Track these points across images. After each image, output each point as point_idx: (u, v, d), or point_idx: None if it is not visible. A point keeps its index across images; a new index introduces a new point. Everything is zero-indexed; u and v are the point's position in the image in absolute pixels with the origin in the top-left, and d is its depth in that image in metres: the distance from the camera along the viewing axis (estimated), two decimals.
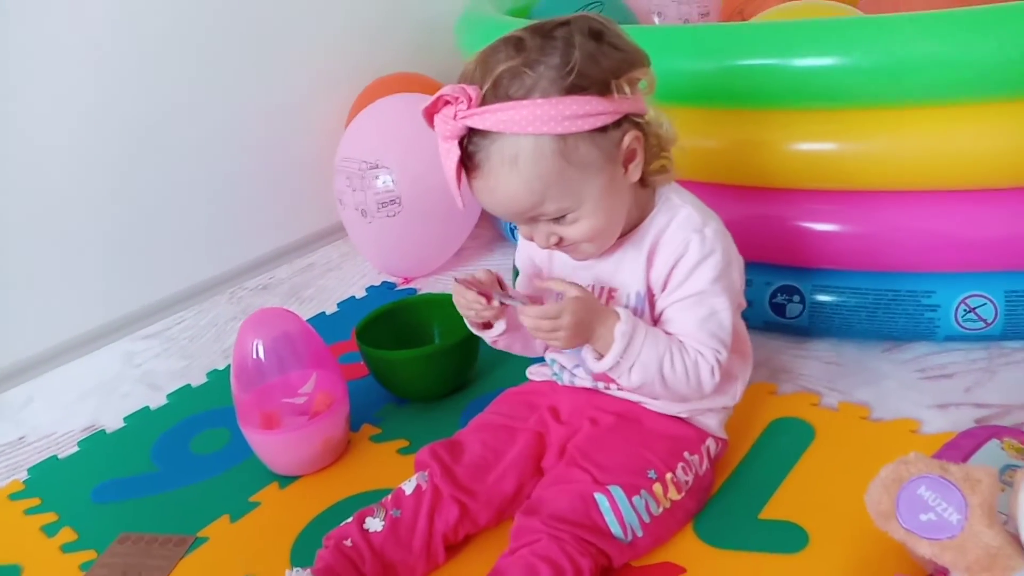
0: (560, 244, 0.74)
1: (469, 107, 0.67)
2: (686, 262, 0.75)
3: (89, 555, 0.87)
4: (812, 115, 0.97)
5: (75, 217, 1.28)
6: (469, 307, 0.78)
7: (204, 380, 1.19)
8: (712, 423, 0.82)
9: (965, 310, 0.97)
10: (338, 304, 1.36)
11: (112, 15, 1.26)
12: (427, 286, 1.37)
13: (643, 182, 0.76)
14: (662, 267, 0.76)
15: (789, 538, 0.76)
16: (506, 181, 0.68)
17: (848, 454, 0.85)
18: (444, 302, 1.12)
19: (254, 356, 0.91)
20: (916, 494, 0.56)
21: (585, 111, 0.67)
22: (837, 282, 1.01)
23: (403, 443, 0.97)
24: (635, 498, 0.74)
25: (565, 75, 0.67)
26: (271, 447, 0.93)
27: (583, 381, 0.84)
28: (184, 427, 1.08)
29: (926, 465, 0.57)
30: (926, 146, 0.93)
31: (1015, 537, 0.54)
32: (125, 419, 1.12)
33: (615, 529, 0.72)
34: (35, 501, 0.97)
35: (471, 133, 0.68)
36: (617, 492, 0.73)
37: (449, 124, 0.67)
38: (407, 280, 1.40)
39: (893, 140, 0.94)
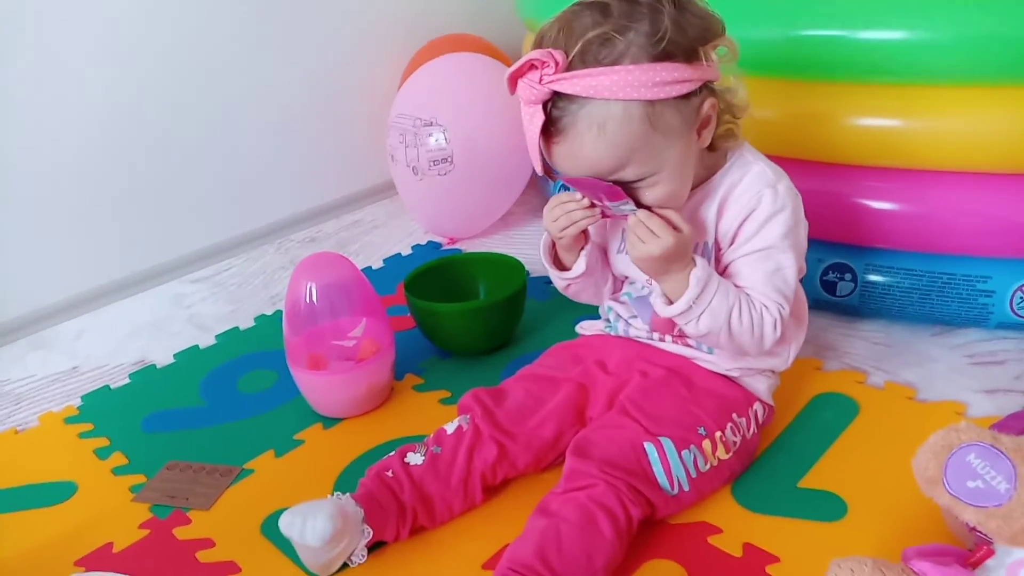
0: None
1: (556, 71, 0.66)
2: (757, 216, 0.75)
3: (139, 479, 0.90)
4: (875, 90, 0.95)
5: (131, 162, 1.31)
6: (569, 213, 0.76)
7: (252, 324, 1.21)
8: (761, 387, 0.82)
9: (1021, 297, 0.96)
10: (384, 260, 1.38)
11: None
12: (472, 248, 1.37)
13: (711, 146, 0.76)
14: (732, 220, 0.77)
15: (827, 507, 0.76)
16: (592, 146, 0.68)
17: (892, 431, 0.85)
18: (492, 260, 1.14)
19: (307, 299, 0.93)
20: (965, 461, 0.56)
21: (673, 78, 0.68)
22: (890, 262, 1.00)
23: (445, 394, 0.99)
24: (684, 452, 0.75)
25: (656, 42, 0.67)
26: (318, 388, 0.95)
27: (638, 332, 0.85)
28: (232, 366, 1.10)
29: (977, 434, 0.57)
30: (990, 127, 0.91)
31: None
32: (175, 356, 1.15)
33: (662, 480, 0.73)
34: (89, 426, 1.00)
35: (556, 98, 0.68)
36: (667, 444, 0.74)
37: (535, 88, 0.67)
38: (452, 240, 1.41)
39: (956, 119, 0.92)
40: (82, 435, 0.99)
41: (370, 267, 1.35)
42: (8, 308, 1.24)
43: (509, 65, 1.50)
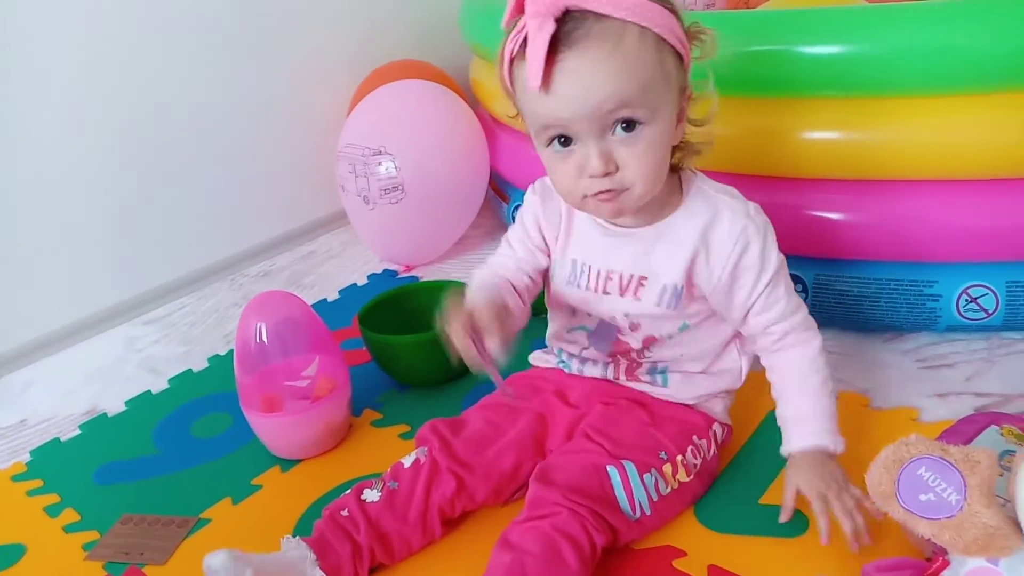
0: (610, 177, 0.69)
1: None
2: (753, 251, 0.74)
3: (92, 535, 0.87)
4: (820, 103, 0.97)
5: (75, 203, 1.28)
6: (463, 351, 0.73)
7: (205, 365, 1.19)
8: (717, 408, 0.83)
9: (967, 300, 0.98)
10: (339, 291, 1.36)
11: (110, 2, 1.26)
12: (429, 274, 1.37)
13: (671, 167, 0.75)
14: (722, 266, 0.75)
15: (789, 523, 0.76)
16: (604, 61, 0.65)
17: (848, 441, 0.85)
18: (446, 289, 1.13)
19: (257, 339, 0.91)
20: (916, 475, 0.57)
21: (675, 30, 0.68)
22: (840, 271, 1.01)
23: (405, 428, 0.97)
24: (646, 475, 0.74)
25: None
26: (273, 430, 0.93)
27: (593, 370, 0.85)
28: (185, 411, 1.08)
29: (926, 446, 0.58)
30: (930, 136, 0.93)
31: (1012, 519, 0.55)
32: (127, 403, 1.12)
33: (624, 504, 0.73)
34: (38, 483, 0.97)
35: (567, 15, 0.65)
36: (630, 467, 0.74)
37: (548, 0, 0.64)
38: (408, 268, 1.41)
39: (898, 129, 0.94)
40: (31, 492, 0.96)
41: (325, 299, 1.34)
42: None
43: (457, 91, 1.50)
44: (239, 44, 1.42)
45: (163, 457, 0.99)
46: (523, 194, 1.40)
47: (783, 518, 0.75)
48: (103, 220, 1.31)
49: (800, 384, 0.77)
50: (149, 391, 1.14)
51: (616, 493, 0.73)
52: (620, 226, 0.77)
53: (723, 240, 0.74)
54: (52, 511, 0.92)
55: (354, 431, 0.98)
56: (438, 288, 1.13)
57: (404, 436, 0.96)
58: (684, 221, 0.75)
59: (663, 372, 0.82)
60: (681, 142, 0.74)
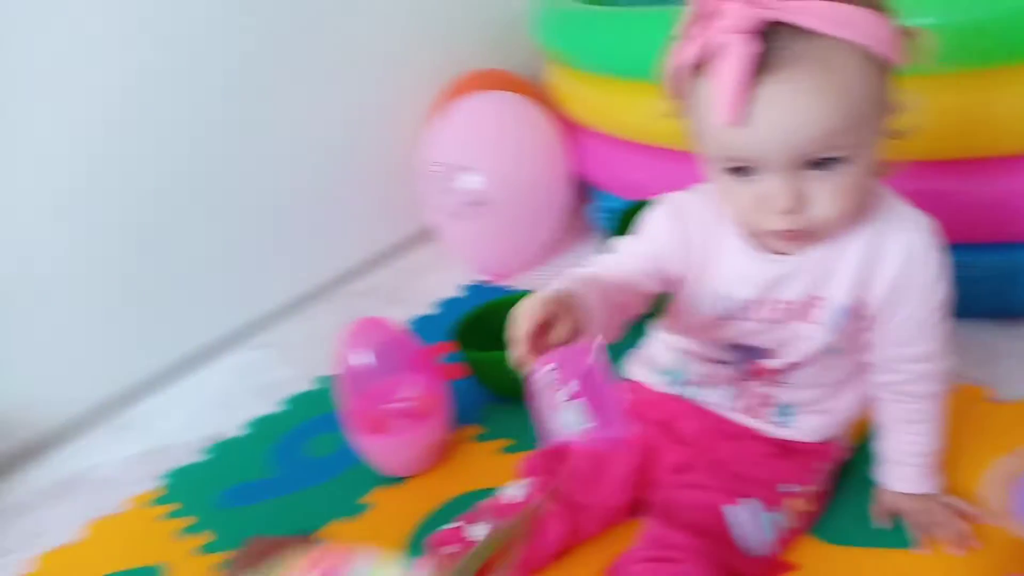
0: (795, 215, 0.61)
1: None
2: (927, 272, 0.67)
3: (221, 556, 0.93)
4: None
5: (193, 237, 1.36)
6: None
7: (314, 386, 1.24)
8: (843, 434, 0.81)
9: None
10: (434, 304, 1.39)
11: (196, 29, 1.29)
12: (521, 282, 1.38)
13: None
14: (890, 280, 0.67)
15: (903, 534, 0.74)
16: (812, 94, 0.56)
17: (963, 438, 0.82)
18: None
19: (356, 364, 0.95)
20: None
21: (884, 38, 0.58)
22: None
23: (507, 442, 0.99)
24: (771, 513, 0.73)
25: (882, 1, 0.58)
26: (379, 451, 0.97)
27: (712, 396, 0.79)
28: (299, 432, 1.13)
29: None
30: None
31: None
32: (245, 426, 1.19)
33: (746, 543, 0.71)
34: (174, 506, 1.05)
35: (771, 30, 0.56)
36: (752, 505, 0.72)
37: (748, 12, 0.55)
38: (500, 277, 1.42)
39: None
40: (167, 515, 1.03)
41: (423, 313, 1.37)
42: (89, 393, 1.30)
43: (535, 97, 1.49)
44: (309, 68, 1.44)
45: (281, 479, 1.05)
46: (606, 196, 1.40)
47: (882, 525, 0.73)
48: (206, 251, 1.38)
49: (908, 428, 0.73)
50: (264, 414, 1.20)
51: (738, 533, 0.71)
52: (782, 252, 0.68)
53: (896, 254, 0.66)
54: (187, 532, 0.99)
55: (457, 446, 1.01)
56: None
57: (507, 450, 0.98)
58: (860, 235, 0.67)
59: (791, 413, 0.78)
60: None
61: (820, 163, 0.59)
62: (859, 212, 0.66)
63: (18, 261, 1.20)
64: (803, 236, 0.64)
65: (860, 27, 0.56)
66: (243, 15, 1.33)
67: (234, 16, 1.32)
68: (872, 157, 0.61)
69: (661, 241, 0.72)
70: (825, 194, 0.60)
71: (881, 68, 0.59)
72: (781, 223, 0.62)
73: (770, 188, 0.60)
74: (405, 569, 0.67)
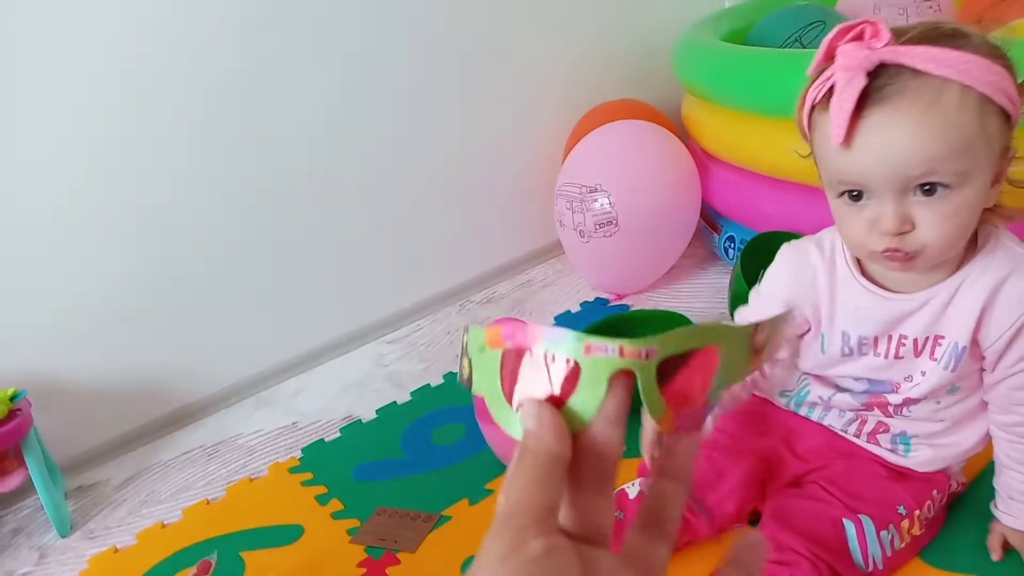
0: (902, 237, 0.65)
1: (886, 45, 0.61)
2: None
3: (353, 523, 1.03)
4: None
5: (342, 237, 1.49)
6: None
7: (441, 381, 1.34)
8: (956, 469, 0.82)
9: None
10: (555, 318, 1.46)
11: (359, 68, 1.45)
12: (639, 303, 1.44)
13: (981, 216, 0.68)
14: (1009, 323, 0.69)
15: (1015, 563, 0.75)
16: (915, 122, 0.61)
17: None
18: (658, 318, 1.19)
19: None
20: None
21: (1005, 87, 0.62)
22: None
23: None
24: (883, 532, 0.75)
25: (994, 47, 0.63)
26: (503, 441, 1.04)
27: (832, 419, 0.83)
28: (426, 420, 1.22)
29: None
30: None
31: None
32: (377, 411, 1.29)
33: (858, 558, 0.74)
34: (309, 475, 1.15)
35: (880, 69, 0.62)
36: (867, 523, 0.75)
37: (862, 53, 0.61)
38: (619, 296, 1.48)
39: None
40: (304, 483, 1.14)
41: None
42: (238, 370, 1.44)
43: (668, 127, 1.55)
44: (469, 92, 1.57)
45: (408, 460, 1.14)
46: (734, 225, 1.44)
47: (994, 558, 0.75)
48: (356, 250, 1.51)
49: (1022, 468, 0.75)
50: (395, 402, 1.30)
51: (851, 546, 0.74)
52: (898, 291, 0.73)
53: (1017, 300, 0.68)
54: (321, 500, 1.09)
55: None
56: (649, 317, 1.20)
57: (627, 456, 1.03)
58: (978, 276, 0.70)
59: (907, 442, 0.81)
60: (995, 204, 0.68)
61: (926, 189, 0.64)
62: (970, 246, 0.70)
63: (205, 261, 1.36)
64: (908, 259, 0.67)
65: (973, 72, 0.60)
66: (414, 49, 1.48)
67: (404, 48, 1.46)
68: (981, 189, 0.64)
69: (787, 291, 0.78)
70: (929, 218, 0.64)
71: (996, 112, 0.63)
72: (885, 242, 0.66)
73: (878, 211, 0.65)
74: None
